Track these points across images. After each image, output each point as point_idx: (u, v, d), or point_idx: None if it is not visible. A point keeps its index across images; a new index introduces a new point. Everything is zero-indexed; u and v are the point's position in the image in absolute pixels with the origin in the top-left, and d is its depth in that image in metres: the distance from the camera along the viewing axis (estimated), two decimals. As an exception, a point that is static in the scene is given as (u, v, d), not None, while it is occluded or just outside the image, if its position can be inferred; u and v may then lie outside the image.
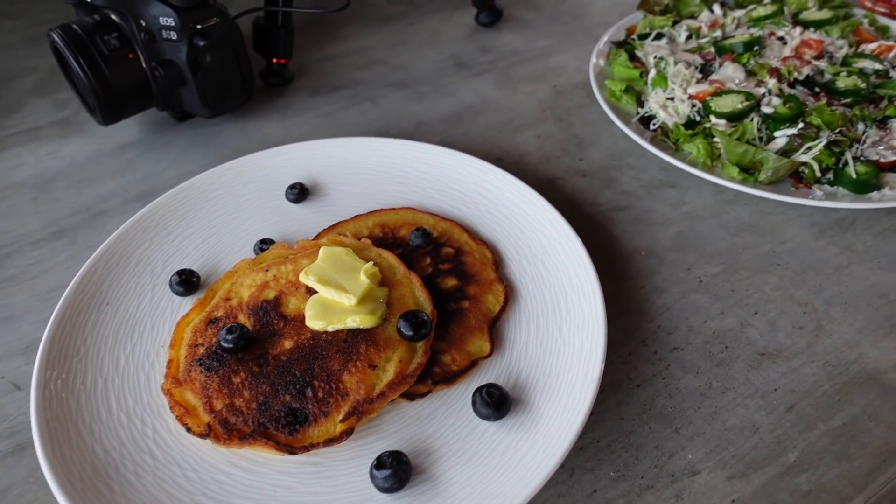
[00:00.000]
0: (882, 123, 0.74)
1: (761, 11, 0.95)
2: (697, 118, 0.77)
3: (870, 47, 0.86)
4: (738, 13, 0.96)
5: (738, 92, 0.77)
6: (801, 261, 0.64)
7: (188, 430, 0.47)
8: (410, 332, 0.50)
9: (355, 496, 0.45)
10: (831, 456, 0.48)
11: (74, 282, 0.58)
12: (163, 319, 0.57)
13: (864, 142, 0.71)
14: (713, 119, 0.75)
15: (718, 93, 0.78)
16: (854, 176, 0.67)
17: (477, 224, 0.65)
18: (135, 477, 0.46)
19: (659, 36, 0.93)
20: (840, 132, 0.70)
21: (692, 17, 0.99)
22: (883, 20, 0.93)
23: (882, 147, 0.70)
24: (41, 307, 0.63)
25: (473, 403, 0.48)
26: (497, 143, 0.82)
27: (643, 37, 0.94)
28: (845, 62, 0.83)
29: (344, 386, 0.48)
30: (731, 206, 0.70)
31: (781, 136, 0.71)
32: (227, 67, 0.79)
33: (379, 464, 0.44)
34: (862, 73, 0.79)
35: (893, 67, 0.81)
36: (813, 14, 0.94)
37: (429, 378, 0.50)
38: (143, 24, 0.73)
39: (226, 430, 0.47)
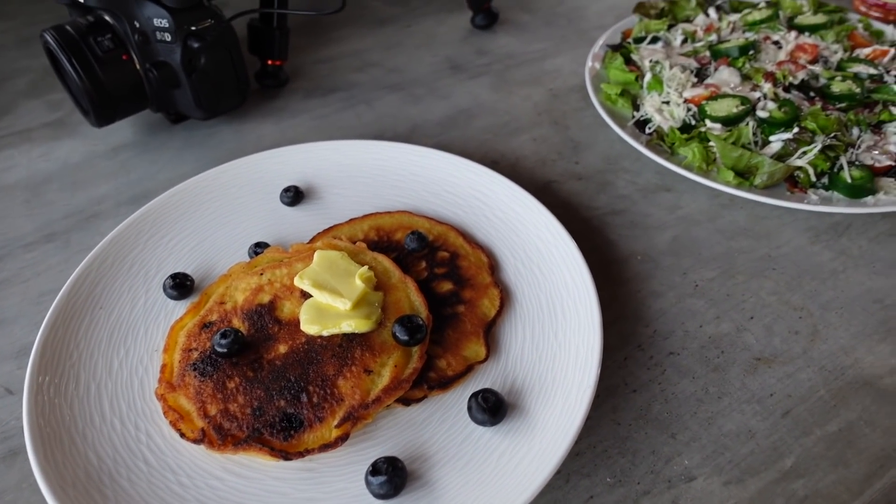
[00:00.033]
0: (877, 128, 0.74)
1: (756, 16, 0.95)
2: (693, 122, 0.77)
3: (864, 52, 0.86)
4: (734, 17, 0.96)
5: (734, 96, 0.77)
6: (797, 265, 0.64)
7: (182, 435, 0.47)
8: (406, 337, 0.50)
9: (351, 502, 0.44)
10: (827, 461, 0.48)
11: (67, 285, 0.58)
12: (156, 323, 0.57)
13: (859, 146, 0.71)
14: (708, 123, 0.75)
15: (714, 97, 0.78)
16: (849, 180, 0.67)
17: (472, 228, 0.65)
18: (128, 483, 0.45)
19: (654, 39, 0.93)
20: (835, 137, 0.71)
21: (688, 20, 0.99)
22: (877, 25, 0.94)
23: (877, 152, 0.71)
24: (34, 311, 0.62)
25: (469, 409, 0.48)
26: (493, 147, 0.82)
27: (639, 40, 0.94)
28: (840, 67, 0.84)
29: (339, 391, 0.48)
30: (726, 211, 0.70)
31: (776, 141, 0.71)
32: (221, 69, 0.78)
33: (374, 470, 0.44)
34: (857, 77, 0.80)
35: (888, 72, 0.81)
36: (808, 18, 0.94)
37: (424, 383, 0.50)
38: (137, 25, 0.73)
39: (220, 435, 0.46)
